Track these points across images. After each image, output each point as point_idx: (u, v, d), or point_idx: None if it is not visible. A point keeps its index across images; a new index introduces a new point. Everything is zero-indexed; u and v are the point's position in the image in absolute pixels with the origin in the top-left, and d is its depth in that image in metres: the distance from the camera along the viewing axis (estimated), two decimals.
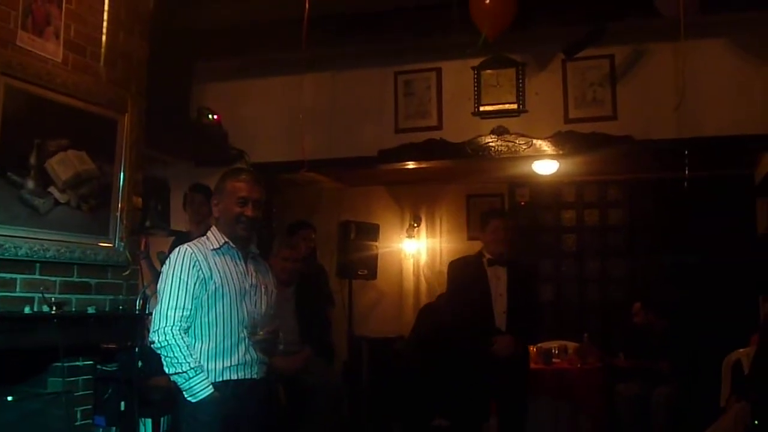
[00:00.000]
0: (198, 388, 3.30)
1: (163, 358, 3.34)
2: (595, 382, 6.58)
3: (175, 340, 3.30)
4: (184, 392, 3.33)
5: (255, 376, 3.49)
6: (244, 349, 3.44)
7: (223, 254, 3.47)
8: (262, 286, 3.59)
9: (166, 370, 3.35)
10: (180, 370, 3.29)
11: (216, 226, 3.56)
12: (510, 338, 4.93)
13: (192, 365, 3.29)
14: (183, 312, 3.34)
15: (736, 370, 6.03)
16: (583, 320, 8.11)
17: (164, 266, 3.47)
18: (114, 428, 4.80)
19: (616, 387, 7.25)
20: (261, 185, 3.56)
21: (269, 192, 7.27)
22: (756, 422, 3.24)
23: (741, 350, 6.00)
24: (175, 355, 3.29)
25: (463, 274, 5.24)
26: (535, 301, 5.40)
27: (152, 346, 3.37)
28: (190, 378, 3.29)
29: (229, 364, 3.40)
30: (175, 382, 3.39)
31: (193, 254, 3.40)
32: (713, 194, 7.80)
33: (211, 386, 3.33)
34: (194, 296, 3.36)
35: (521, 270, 5.26)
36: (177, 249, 3.48)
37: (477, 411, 5.06)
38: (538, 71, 6.51)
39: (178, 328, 3.32)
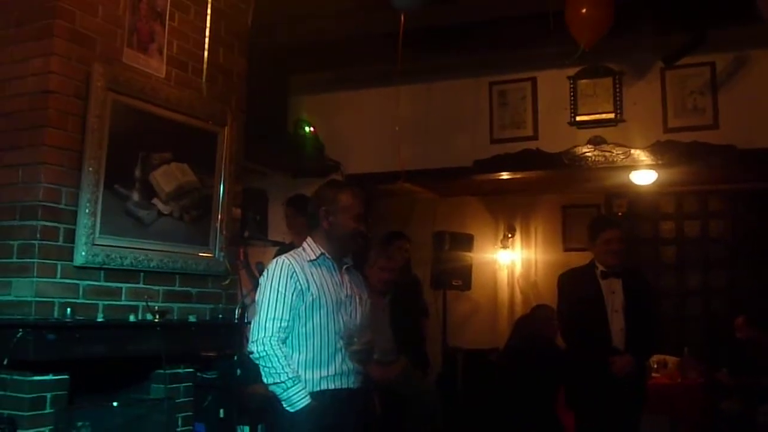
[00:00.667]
0: (296, 398, 3.34)
1: (261, 368, 3.39)
2: (696, 398, 6.40)
3: (273, 351, 3.34)
4: (282, 402, 3.37)
5: (352, 386, 3.51)
6: (340, 359, 3.47)
7: (319, 265, 3.51)
8: (357, 297, 3.61)
9: (265, 380, 3.39)
10: (278, 380, 3.33)
11: (315, 237, 3.59)
12: (629, 359, 4.59)
13: (290, 375, 3.33)
14: (281, 323, 3.38)
15: None
16: (683, 334, 7.91)
17: (262, 277, 3.51)
18: None
19: (719, 404, 7.06)
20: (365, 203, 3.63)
21: (365, 204, 7.39)
22: None
23: None
24: (273, 365, 3.33)
25: (575, 287, 4.89)
26: (654, 317, 4.92)
27: (251, 356, 3.42)
28: (288, 388, 3.33)
29: (326, 374, 3.42)
30: (273, 392, 3.45)
31: (291, 265, 3.44)
32: None
33: (308, 396, 3.35)
34: (292, 307, 3.40)
35: (638, 282, 4.90)
36: (275, 260, 3.53)
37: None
38: (636, 80, 6.41)
39: (276, 338, 3.36)
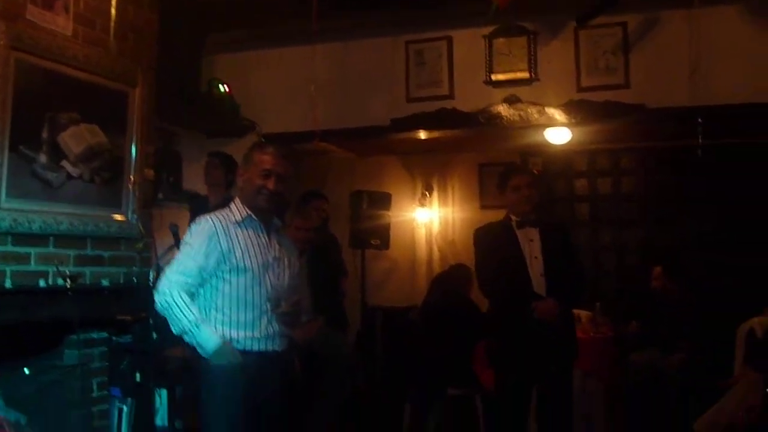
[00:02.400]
0: (204, 341, 3.33)
1: (168, 320, 3.38)
2: (607, 350, 6.58)
3: (174, 299, 3.32)
4: (197, 349, 3.37)
5: (277, 349, 3.52)
6: (266, 321, 3.47)
7: (245, 227, 3.48)
8: (286, 259, 3.61)
9: (174, 331, 3.38)
10: (183, 328, 3.32)
11: (239, 198, 3.57)
12: (551, 302, 4.48)
13: (191, 319, 3.31)
14: (186, 278, 3.36)
15: (749, 339, 6.02)
16: (596, 289, 8.09)
17: (186, 233, 3.51)
18: (130, 399, 4.85)
19: (629, 355, 7.27)
20: (286, 160, 3.57)
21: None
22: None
23: (755, 319, 6.00)
24: (175, 313, 3.32)
25: (491, 239, 4.77)
26: (574, 261, 4.86)
27: (156, 308, 3.41)
28: (195, 333, 3.32)
29: (251, 336, 3.42)
30: (191, 352, 3.43)
31: (213, 226, 3.42)
32: (728, 162, 7.74)
33: (218, 337, 3.35)
34: (202, 267, 3.38)
35: (555, 229, 4.87)
36: (198, 219, 3.50)
37: (522, 378, 4.59)
38: (550, 39, 6.45)
39: (177, 289, 3.34)
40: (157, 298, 3.38)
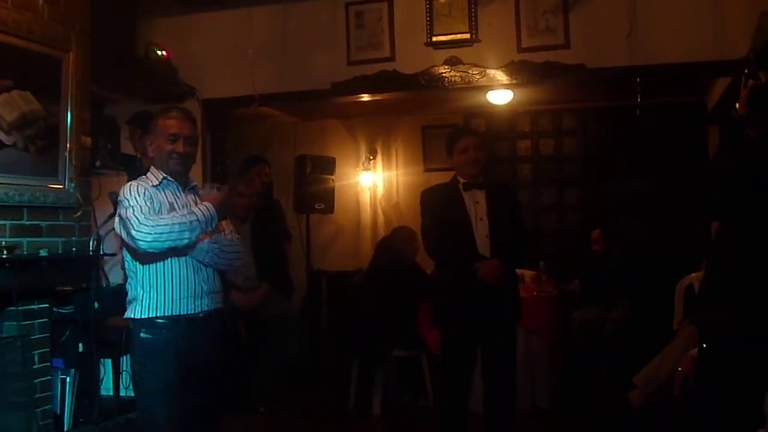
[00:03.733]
0: (207, 217, 3.34)
1: (172, 242, 3.27)
2: (551, 309, 6.67)
3: (156, 224, 3.24)
4: (210, 225, 3.37)
5: (206, 308, 3.47)
6: (193, 280, 3.43)
7: (163, 189, 3.47)
8: None
9: (190, 239, 3.31)
10: (190, 229, 3.28)
11: (153, 165, 3.55)
12: (495, 263, 4.50)
13: (182, 215, 3.30)
14: (150, 211, 3.31)
15: (688, 294, 6.14)
16: (539, 249, 8.18)
17: (119, 202, 3.42)
18: (73, 370, 4.80)
19: (571, 313, 7.40)
20: (192, 122, 3.57)
21: (222, 128, 7.27)
22: (704, 345, 3.28)
23: (693, 274, 6.10)
24: (169, 225, 3.24)
25: (436, 201, 4.77)
26: (519, 223, 4.87)
27: (152, 250, 3.27)
28: (194, 218, 3.30)
29: (178, 297, 3.39)
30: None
31: (140, 185, 3.40)
32: (666, 122, 7.86)
33: (204, 206, 3.36)
34: (154, 204, 3.34)
35: (501, 191, 4.88)
36: (123, 187, 3.45)
37: (469, 338, 4.60)
38: (491, 0, 6.44)
39: (148, 222, 3.25)
40: (142, 244, 3.24)
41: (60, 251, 4.65)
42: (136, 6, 6.46)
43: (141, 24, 6.60)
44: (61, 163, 4.69)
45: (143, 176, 3.53)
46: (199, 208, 3.36)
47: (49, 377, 4.64)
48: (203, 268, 3.46)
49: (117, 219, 3.44)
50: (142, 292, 3.39)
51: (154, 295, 3.37)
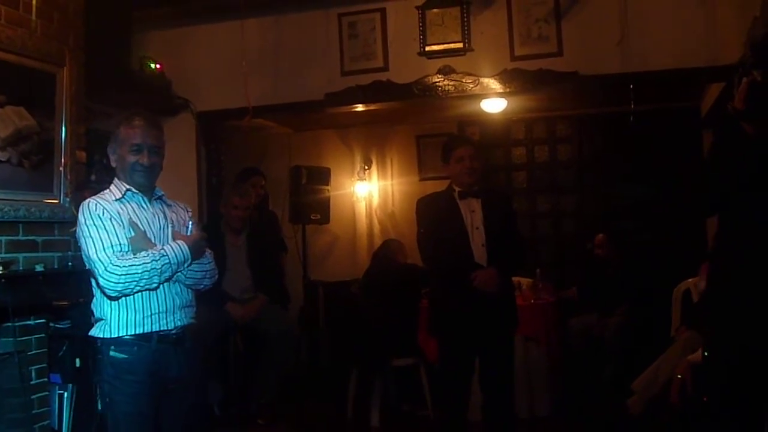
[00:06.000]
0: (180, 256, 3.27)
1: (140, 287, 3.18)
2: (548, 316, 6.67)
3: (121, 268, 3.13)
4: (184, 265, 3.29)
5: (179, 324, 3.36)
6: (163, 295, 3.30)
7: (128, 202, 3.33)
8: (171, 224, 3.44)
9: (157, 281, 3.21)
10: (160, 272, 3.20)
11: (117, 177, 3.39)
12: (491, 271, 4.48)
13: (151, 261, 3.17)
14: (114, 248, 3.17)
15: (685, 300, 6.15)
16: (535, 256, 8.19)
17: (78, 224, 3.29)
18: (70, 385, 4.79)
19: (570, 320, 7.40)
20: (158, 129, 3.40)
21: (216, 140, 7.28)
22: (706, 354, 3.27)
23: (690, 280, 6.12)
24: (138, 272, 3.14)
25: (432, 210, 4.77)
26: (515, 231, 4.85)
27: (113, 298, 3.20)
28: (169, 263, 3.22)
29: (149, 314, 3.25)
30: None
31: (99, 204, 3.24)
32: (660, 127, 7.87)
33: (179, 243, 3.27)
34: (118, 234, 3.20)
35: (498, 201, 4.84)
36: (81, 205, 3.30)
37: (466, 348, 4.60)
38: (483, 9, 6.45)
39: (114, 262, 3.14)
40: (107, 286, 3.15)
41: (56, 266, 4.63)
42: (130, 20, 6.46)
43: (135, 38, 6.60)
44: (56, 178, 4.68)
45: (105, 190, 3.38)
46: (172, 248, 3.25)
47: (46, 393, 4.62)
48: (174, 282, 3.33)
49: (78, 236, 3.29)
50: (110, 310, 3.24)
51: (123, 313, 3.23)
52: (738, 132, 2.85)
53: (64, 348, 4.82)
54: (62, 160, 4.70)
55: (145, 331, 3.25)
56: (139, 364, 3.24)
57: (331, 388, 7.11)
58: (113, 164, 3.40)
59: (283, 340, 6.14)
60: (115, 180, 3.39)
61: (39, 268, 4.42)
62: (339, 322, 7.49)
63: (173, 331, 3.33)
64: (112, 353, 3.24)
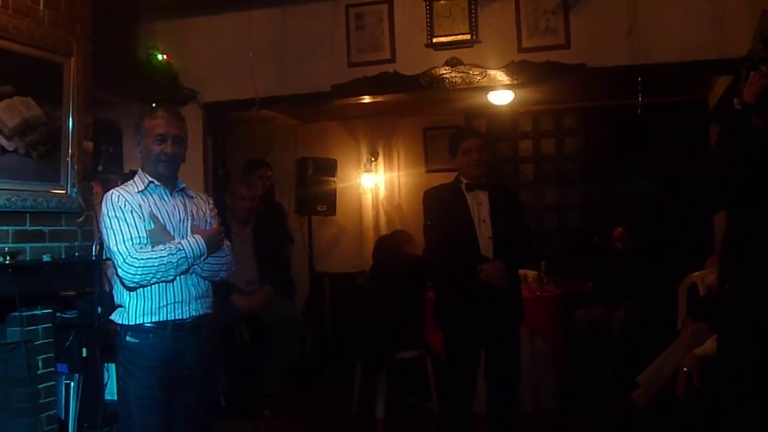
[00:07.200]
0: (196, 250, 3.35)
1: (158, 279, 3.30)
2: (554, 309, 6.67)
3: (141, 260, 3.25)
4: (202, 258, 3.38)
5: (195, 314, 3.45)
6: (180, 286, 3.40)
7: (150, 194, 3.43)
8: (191, 217, 3.52)
9: (174, 274, 3.33)
10: (177, 265, 3.30)
11: (141, 168, 3.51)
12: (498, 264, 4.49)
13: (170, 254, 3.28)
14: (133, 240, 3.29)
15: (691, 293, 6.15)
16: (541, 249, 8.18)
17: (101, 215, 3.40)
18: (77, 375, 4.80)
19: (575, 313, 7.39)
20: (180, 120, 3.51)
21: (223, 131, 7.28)
22: (723, 347, 3.25)
23: (696, 273, 6.11)
24: (155, 265, 3.26)
25: (439, 202, 4.77)
26: (522, 224, 4.87)
27: (131, 289, 3.32)
28: (186, 256, 3.32)
29: (165, 303, 3.36)
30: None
31: (121, 196, 3.35)
32: (668, 120, 7.85)
33: (196, 238, 3.37)
34: (138, 226, 3.31)
35: (505, 194, 4.85)
36: (106, 195, 3.42)
37: (473, 340, 4.61)
38: (491, 1, 6.43)
39: (134, 255, 3.26)
40: (125, 277, 3.27)
41: (63, 256, 4.63)
42: (137, 10, 6.47)
43: (142, 28, 6.60)
44: (63, 168, 4.67)
45: (129, 181, 3.50)
46: (189, 243, 3.35)
47: (53, 382, 4.63)
48: (191, 274, 3.43)
49: (102, 226, 3.41)
50: (128, 298, 3.36)
51: (141, 301, 3.34)
52: (746, 126, 2.84)
53: (71, 338, 4.83)
54: (69, 150, 4.69)
55: (161, 319, 3.36)
56: (153, 350, 3.34)
57: (336, 380, 7.12)
58: (138, 156, 3.51)
59: (288, 331, 6.15)
60: (139, 171, 3.50)
61: (46, 258, 4.42)
62: (345, 314, 7.49)
63: (188, 320, 3.42)
64: (128, 338, 3.36)
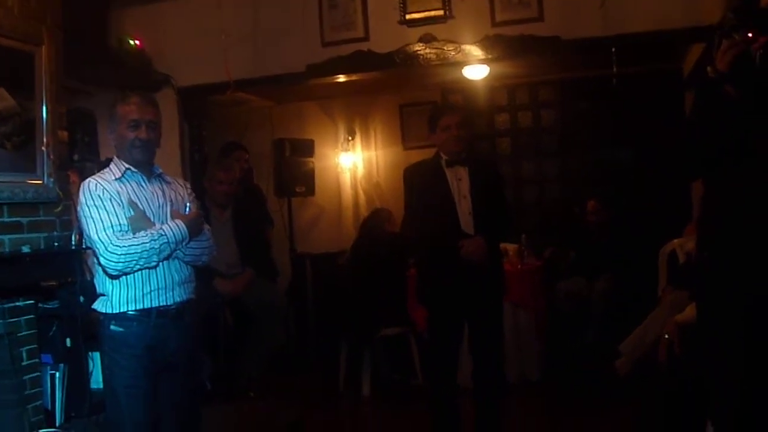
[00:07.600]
0: (177, 234, 3.35)
1: (141, 266, 3.30)
2: (535, 281, 6.72)
3: (123, 247, 3.24)
4: (183, 244, 3.38)
5: (178, 300, 3.46)
6: (162, 272, 3.40)
7: (127, 181, 3.42)
8: (170, 202, 3.53)
9: (157, 260, 3.33)
10: (159, 251, 3.30)
11: (117, 155, 3.50)
12: (478, 240, 4.50)
13: (151, 240, 3.28)
14: (114, 228, 3.28)
15: (671, 261, 6.19)
16: (520, 221, 8.20)
17: (79, 204, 3.40)
18: (62, 365, 4.79)
19: (557, 285, 7.44)
20: (153, 106, 3.50)
21: (198, 116, 7.24)
22: (703, 315, 3.27)
23: (675, 241, 6.15)
24: (138, 252, 3.25)
25: (421, 177, 4.76)
26: (502, 199, 4.86)
27: (115, 277, 3.32)
28: (167, 241, 3.32)
29: (148, 290, 3.36)
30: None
31: (99, 184, 3.35)
32: (643, 90, 7.86)
33: (177, 223, 3.37)
34: (118, 214, 3.31)
35: (484, 168, 4.86)
36: (83, 184, 3.41)
37: (455, 316, 4.63)
38: None
39: (115, 242, 3.26)
40: (108, 265, 3.26)
41: (42, 247, 4.61)
42: None
43: (113, 14, 6.55)
44: (38, 158, 4.64)
45: (105, 169, 3.49)
46: (170, 227, 3.35)
47: (38, 373, 4.61)
48: (173, 259, 3.43)
49: (80, 215, 3.40)
50: (111, 287, 3.36)
51: (124, 289, 3.34)
52: (720, 94, 2.85)
53: (54, 328, 4.82)
54: (44, 140, 4.65)
55: (145, 306, 3.36)
56: (137, 338, 3.35)
57: (321, 360, 7.15)
58: (112, 143, 3.50)
59: (271, 313, 6.15)
60: (114, 159, 3.49)
61: (25, 249, 4.40)
62: (327, 294, 7.51)
63: (172, 307, 3.43)
64: (112, 327, 3.37)
